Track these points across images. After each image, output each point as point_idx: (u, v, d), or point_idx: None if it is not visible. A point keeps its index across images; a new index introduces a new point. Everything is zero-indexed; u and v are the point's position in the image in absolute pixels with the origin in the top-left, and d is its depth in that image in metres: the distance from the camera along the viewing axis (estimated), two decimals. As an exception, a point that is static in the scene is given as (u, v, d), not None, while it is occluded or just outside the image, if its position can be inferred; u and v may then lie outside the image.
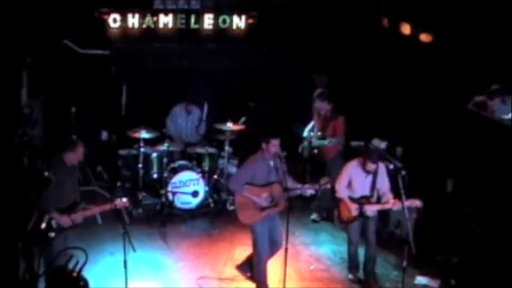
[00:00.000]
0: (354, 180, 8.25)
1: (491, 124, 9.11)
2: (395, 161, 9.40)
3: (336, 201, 8.49)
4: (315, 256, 9.02)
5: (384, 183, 8.27)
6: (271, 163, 7.86)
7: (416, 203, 8.05)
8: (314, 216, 10.07)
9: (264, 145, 7.76)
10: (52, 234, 7.16)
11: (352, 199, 8.27)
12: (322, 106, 9.78)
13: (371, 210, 8.21)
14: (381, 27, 10.88)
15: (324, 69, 11.64)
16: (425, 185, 9.05)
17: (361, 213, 8.22)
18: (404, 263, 7.65)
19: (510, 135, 8.81)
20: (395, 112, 10.62)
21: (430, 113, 9.97)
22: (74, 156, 7.43)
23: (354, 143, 10.62)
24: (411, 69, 10.36)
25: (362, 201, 8.23)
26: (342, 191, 8.30)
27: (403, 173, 8.84)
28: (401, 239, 8.94)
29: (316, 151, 9.94)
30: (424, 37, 10.07)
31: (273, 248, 8.06)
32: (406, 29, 10.38)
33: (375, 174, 8.19)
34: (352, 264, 8.59)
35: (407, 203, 7.92)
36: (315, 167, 9.94)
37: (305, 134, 10.13)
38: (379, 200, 8.27)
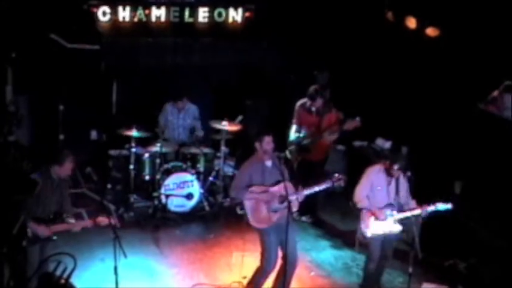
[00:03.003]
0: (377, 188, 7.88)
1: (502, 123, 9.11)
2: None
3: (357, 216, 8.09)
4: (316, 262, 8.89)
5: (405, 189, 7.97)
6: (268, 164, 7.65)
7: (448, 205, 7.76)
8: (304, 218, 9.92)
9: (257, 144, 7.61)
10: (24, 243, 6.94)
11: None
12: (316, 104, 9.64)
13: (397, 219, 7.86)
14: (386, 21, 10.86)
15: (326, 65, 11.59)
16: (432, 187, 8.91)
17: None
18: (410, 269, 7.52)
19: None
20: (401, 110, 10.59)
21: (437, 111, 9.93)
22: (61, 171, 7.25)
23: (357, 143, 10.71)
24: (417, 65, 10.34)
25: None
26: (364, 200, 7.88)
27: (408, 174, 8.50)
28: (407, 243, 8.74)
29: (309, 149, 9.66)
30: (431, 31, 10.06)
31: (287, 265, 7.63)
32: (411, 23, 10.36)
33: (397, 180, 7.88)
34: (368, 283, 8.20)
35: (440, 205, 7.70)
36: (305, 171, 9.58)
37: (291, 138, 9.88)
38: (400, 209, 7.92)
